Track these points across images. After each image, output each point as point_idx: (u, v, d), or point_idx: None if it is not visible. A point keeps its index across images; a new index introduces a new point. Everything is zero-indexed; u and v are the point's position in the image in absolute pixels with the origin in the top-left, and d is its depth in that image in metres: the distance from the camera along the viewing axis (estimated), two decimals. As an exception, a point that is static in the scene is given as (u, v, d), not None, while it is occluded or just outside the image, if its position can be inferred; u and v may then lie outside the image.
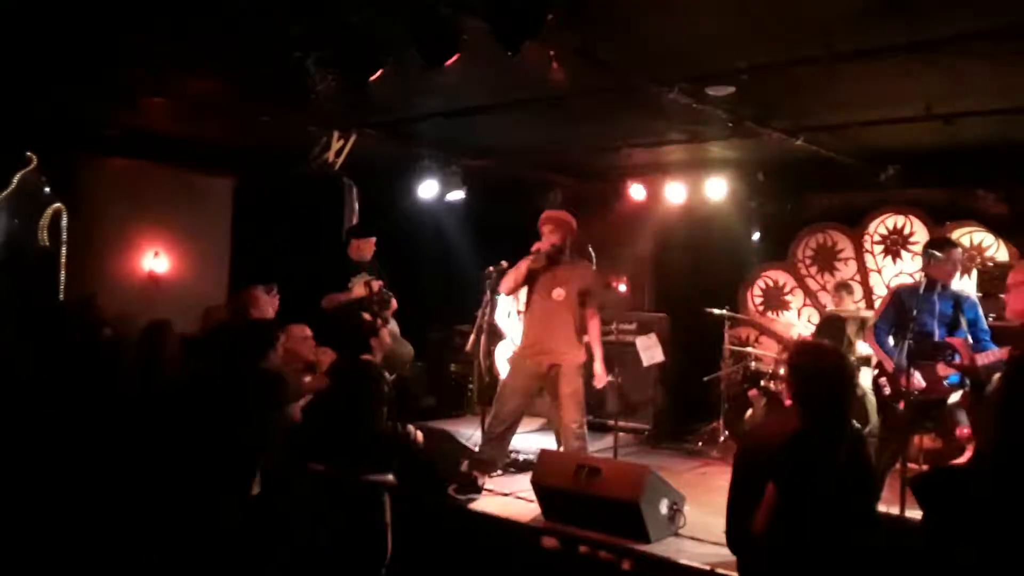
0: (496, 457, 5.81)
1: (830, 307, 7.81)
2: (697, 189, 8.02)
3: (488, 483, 5.87)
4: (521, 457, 6.42)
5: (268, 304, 5.49)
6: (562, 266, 5.71)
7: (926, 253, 5.01)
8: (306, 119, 6.59)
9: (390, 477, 4.60)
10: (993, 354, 4.68)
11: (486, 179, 8.45)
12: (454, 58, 4.11)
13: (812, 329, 8.08)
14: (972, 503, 2.62)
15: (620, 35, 4.62)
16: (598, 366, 5.80)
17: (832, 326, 7.19)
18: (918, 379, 4.79)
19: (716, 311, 7.65)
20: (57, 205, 6.73)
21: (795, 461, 3.03)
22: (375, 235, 6.77)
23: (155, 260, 7.64)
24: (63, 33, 4.77)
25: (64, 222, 6.75)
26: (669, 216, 8.69)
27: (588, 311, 5.75)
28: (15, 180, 6.53)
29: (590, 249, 9.11)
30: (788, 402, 3.25)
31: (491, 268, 6.49)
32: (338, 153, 6.97)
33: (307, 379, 4.93)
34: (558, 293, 5.65)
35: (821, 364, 3.13)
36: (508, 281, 5.74)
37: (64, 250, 6.73)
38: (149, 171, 7.55)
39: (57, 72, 5.43)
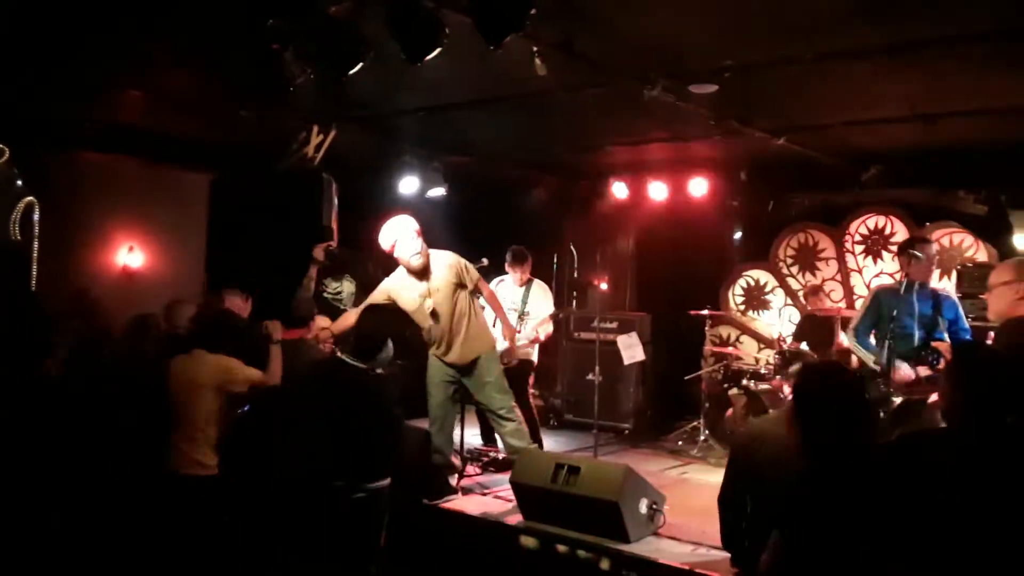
0: (448, 458, 5.72)
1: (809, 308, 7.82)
2: (679, 188, 8.02)
3: (466, 482, 5.83)
4: (500, 456, 6.37)
5: (243, 309, 5.54)
6: (421, 276, 5.51)
7: (905, 253, 5.02)
8: (285, 113, 6.50)
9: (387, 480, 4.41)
10: None
11: (468, 176, 8.39)
12: (435, 52, 4.05)
13: (793, 328, 8.11)
14: (940, 465, 2.56)
15: (603, 31, 4.59)
16: (505, 330, 5.83)
17: (816, 324, 7.20)
18: (905, 370, 4.80)
19: (700, 312, 7.62)
20: (29, 198, 6.59)
21: (799, 507, 2.71)
22: (330, 240, 6.75)
23: (130, 255, 7.53)
24: (36, 25, 4.67)
25: (36, 216, 6.61)
26: (651, 215, 8.69)
27: (474, 291, 5.62)
28: (-14, 172, 6.40)
29: (572, 248, 9.14)
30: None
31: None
32: (317, 148, 6.89)
33: None
34: (429, 303, 5.51)
35: (830, 386, 2.78)
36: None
37: (36, 244, 6.59)
38: (124, 165, 7.43)
39: (30, 64, 5.32)
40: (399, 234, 5.44)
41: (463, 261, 5.61)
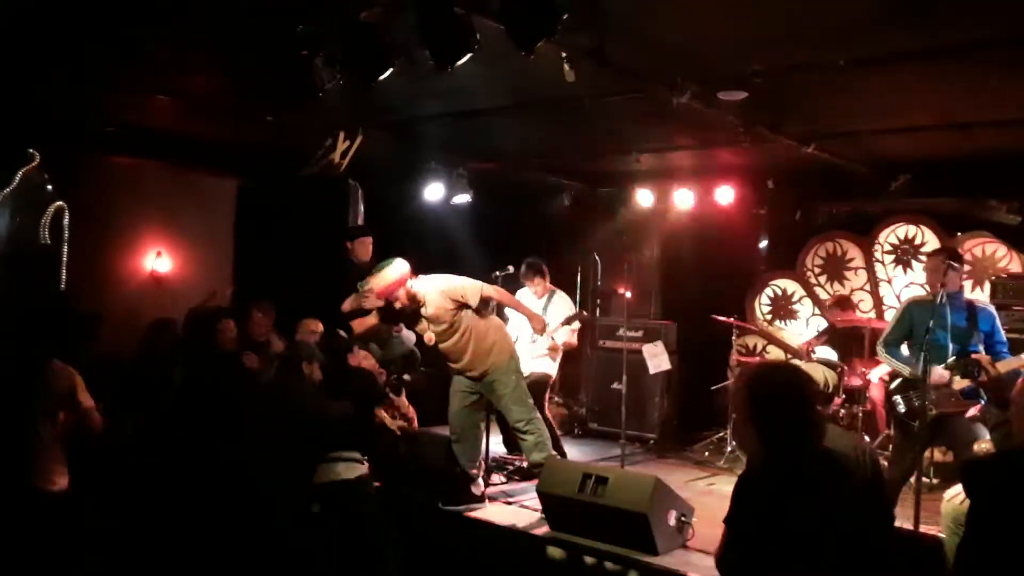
0: (466, 467, 5.62)
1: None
2: (706, 196, 7.95)
3: (491, 491, 5.79)
4: (525, 464, 6.32)
5: (261, 324, 5.73)
6: (417, 311, 5.50)
7: (941, 263, 4.91)
8: (312, 119, 6.51)
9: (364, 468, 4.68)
10: (1013, 362, 4.60)
11: (493, 183, 8.38)
12: (465, 59, 4.04)
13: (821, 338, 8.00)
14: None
15: (633, 38, 4.55)
16: (534, 324, 5.79)
17: (839, 336, 7.10)
18: (938, 372, 4.72)
19: (727, 321, 7.53)
20: (59, 203, 6.64)
21: (740, 499, 2.83)
22: (369, 235, 6.72)
23: (157, 260, 7.58)
24: (67, 28, 4.70)
25: (66, 220, 6.67)
26: (677, 223, 8.61)
27: (485, 308, 5.61)
28: (17, 177, 6.45)
29: (596, 255, 9.10)
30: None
31: (497, 272, 6.44)
32: (344, 154, 6.89)
33: None
34: (431, 333, 5.53)
35: (771, 383, 2.80)
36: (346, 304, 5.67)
37: (66, 248, 6.65)
38: (153, 170, 7.49)
39: (61, 68, 5.36)
40: (392, 285, 5.40)
41: (459, 283, 5.47)
